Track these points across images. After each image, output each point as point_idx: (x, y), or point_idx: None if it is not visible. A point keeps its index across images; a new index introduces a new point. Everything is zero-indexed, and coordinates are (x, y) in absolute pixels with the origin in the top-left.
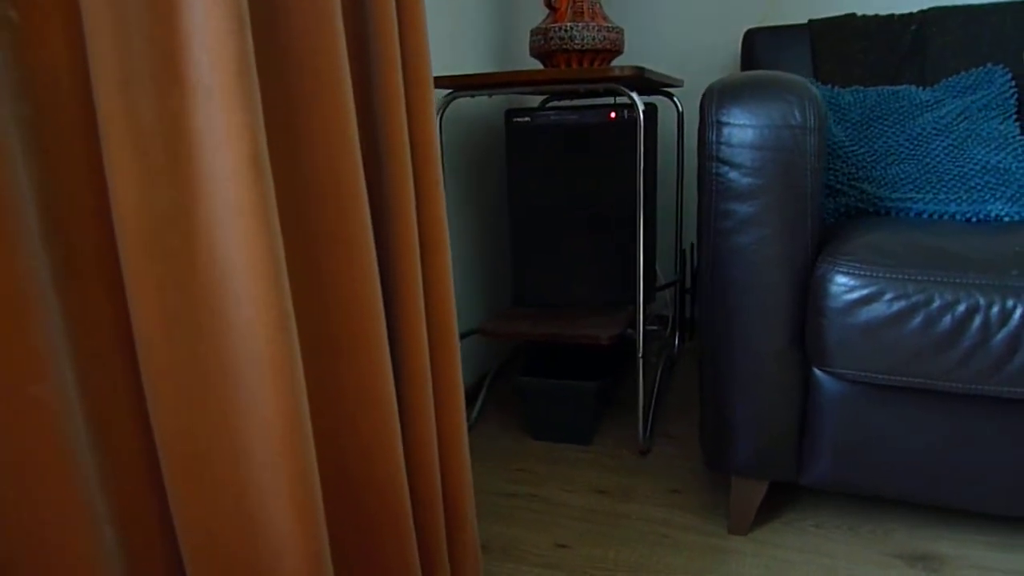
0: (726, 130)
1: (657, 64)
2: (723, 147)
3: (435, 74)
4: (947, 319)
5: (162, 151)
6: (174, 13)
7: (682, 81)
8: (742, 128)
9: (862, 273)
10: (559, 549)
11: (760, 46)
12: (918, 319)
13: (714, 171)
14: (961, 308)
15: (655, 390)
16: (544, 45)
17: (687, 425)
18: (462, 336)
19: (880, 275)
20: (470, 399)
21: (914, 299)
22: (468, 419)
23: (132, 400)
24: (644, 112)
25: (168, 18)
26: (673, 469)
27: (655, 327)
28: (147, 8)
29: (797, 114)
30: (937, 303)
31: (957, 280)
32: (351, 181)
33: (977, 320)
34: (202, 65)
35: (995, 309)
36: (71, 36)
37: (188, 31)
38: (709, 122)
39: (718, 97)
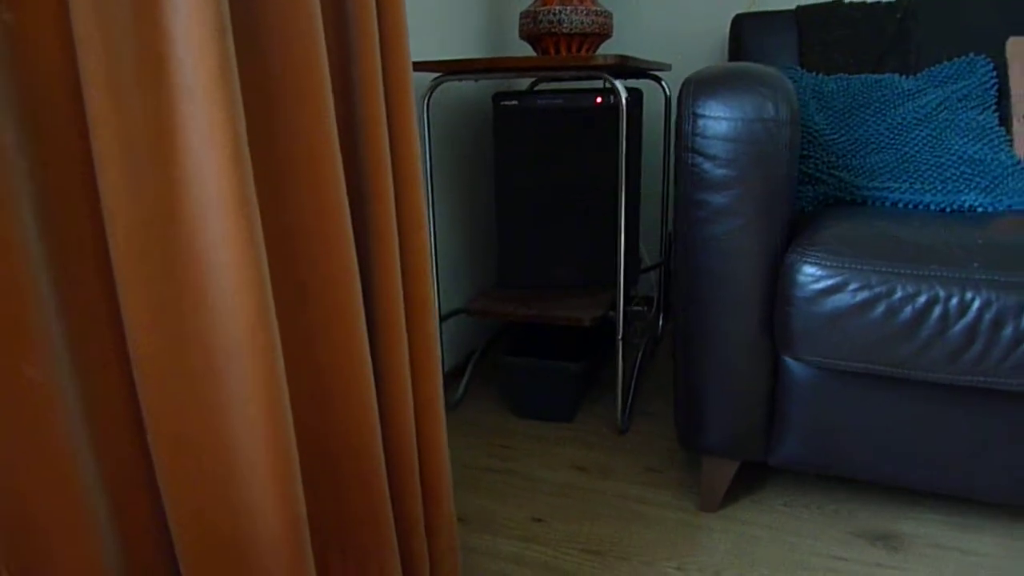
0: (701, 122)
1: (646, 48)
2: (698, 139)
3: (424, 57)
4: (908, 310)
5: (148, 148)
6: (159, 17)
7: (669, 65)
8: (716, 120)
9: (828, 264)
10: (535, 523)
11: (748, 32)
12: (880, 309)
13: (689, 162)
14: (922, 299)
15: (636, 370)
16: (533, 28)
17: (666, 404)
18: (448, 315)
19: (845, 266)
20: (456, 377)
21: (877, 290)
22: (453, 397)
23: (122, 381)
24: (629, 97)
25: (153, 22)
26: (650, 447)
27: (641, 308)
28: (133, 13)
29: (771, 107)
30: (899, 294)
31: (919, 272)
32: (329, 169)
33: (936, 311)
34: (186, 66)
35: (954, 301)
36: (63, 38)
37: (173, 35)
38: (685, 114)
39: (694, 89)
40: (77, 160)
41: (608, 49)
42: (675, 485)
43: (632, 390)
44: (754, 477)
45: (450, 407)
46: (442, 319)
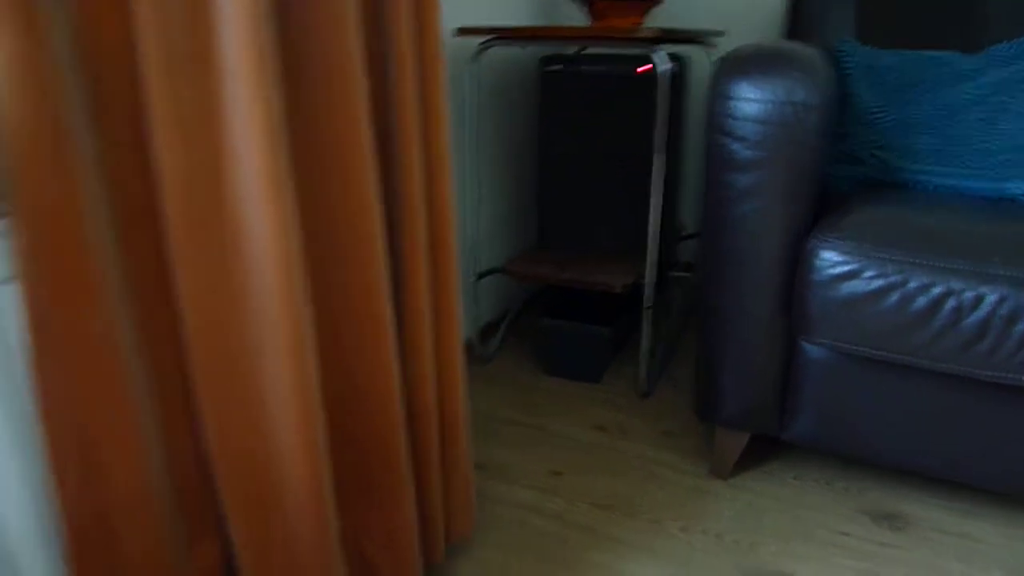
0: (731, 103)
1: (701, 10)
2: (728, 119)
3: (476, 20)
4: (921, 300)
5: (196, 121)
6: (208, 5)
7: (721, 32)
8: (747, 102)
9: (846, 250)
10: (553, 476)
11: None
12: (894, 298)
13: (718, 142)
14: (936, 291)
15: (667, 337)
16: None
17: (693, 372)
18: (485, 273)
19: (863, 253)
20: (491, 332)
21: (892, 279)
22: (487, 351)
23: (171, 326)
24: (675, 65)
25: (204, 9)
26: (670, 413)
27: (683, 273)
28: (186, 3)
29: (801, 91)
30: (913, 284)
31: (935, 264)
32: (358, 138)
33: (950, 303)
34: (230, 50)
35: (969, 295)
36: (123, 24)
37: (219, 21)
38: (717, 94)
39: (726, 70)
40: (133, 133)
41: (664, 12)
42: (690, 451)
43: (660, 356)
44: (767, 450)
45: (483, 361)
46: (480, 276)
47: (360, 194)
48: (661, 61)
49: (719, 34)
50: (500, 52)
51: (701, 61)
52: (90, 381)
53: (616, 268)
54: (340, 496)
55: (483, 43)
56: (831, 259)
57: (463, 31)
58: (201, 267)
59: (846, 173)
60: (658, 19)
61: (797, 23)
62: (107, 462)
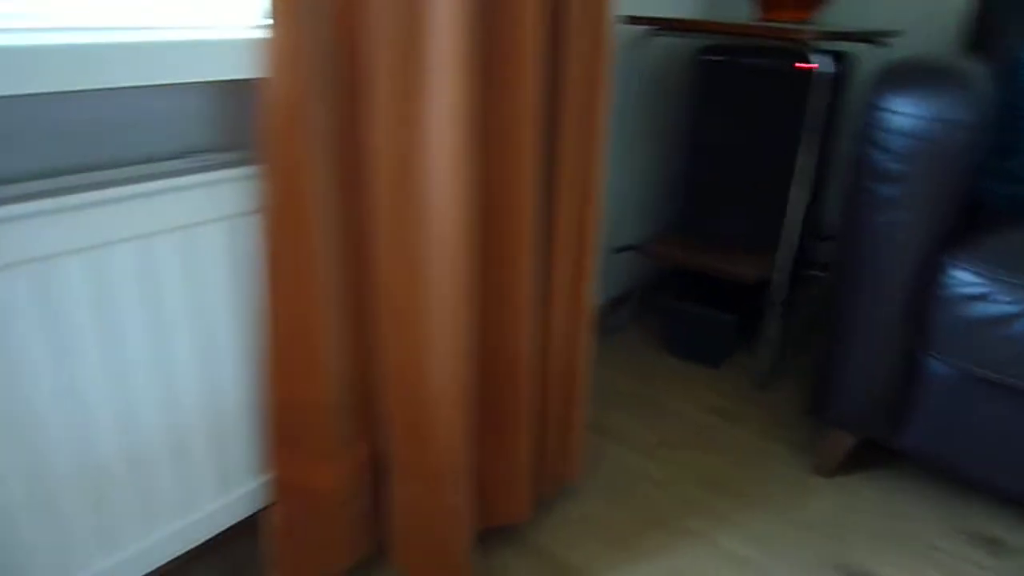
0: (883, 114)
1: (880, 8)
2: (878, 130)
3: (638, 11)
4: None
5: (404, 102)
6: (421, 6)
7: (897, 32)
8: (899, 115)
9: (979, 272)
10: (662, 446)
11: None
12: (1021, 325)
13: (866, 150)
14: None
15: (792, 333)
16: None
17: (810, 370)
18: (622, 249)
19: (995, 277)
20: (619, 307)
21: (1021, 306)
22: (614, 324)
23: (366, 261)
24: (840, 64)
25: (418, 10)
26: (784, 407)
27: (819, 273)
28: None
29: (955, 110)
30: None
31: None
32: (527, 113)
33: None
34: (436, 44)
35: None
36: (358, 17)
37: (430, 17)
38: (871, 103)
39: (883, 81)
40: (354, 110)
41: (842, 7)
42: (797, 445)
43: (782, 351)
44: (874, 456)
45: (609, 332)
46: (617, 251)
47: (522, 169)
48: (820, 62)
49: (895, 34)
50: (661, 39)
51: (875, 58)
52: (302, 297)
53: (750, 259)
54: (474, 433)
55: (648, 31)
56: (962, 279)
57: (632, 20)
58: (395, 221)
59: (1007, 191)
60: (833, 14)
61: (980, 29)
62: (309, 363)
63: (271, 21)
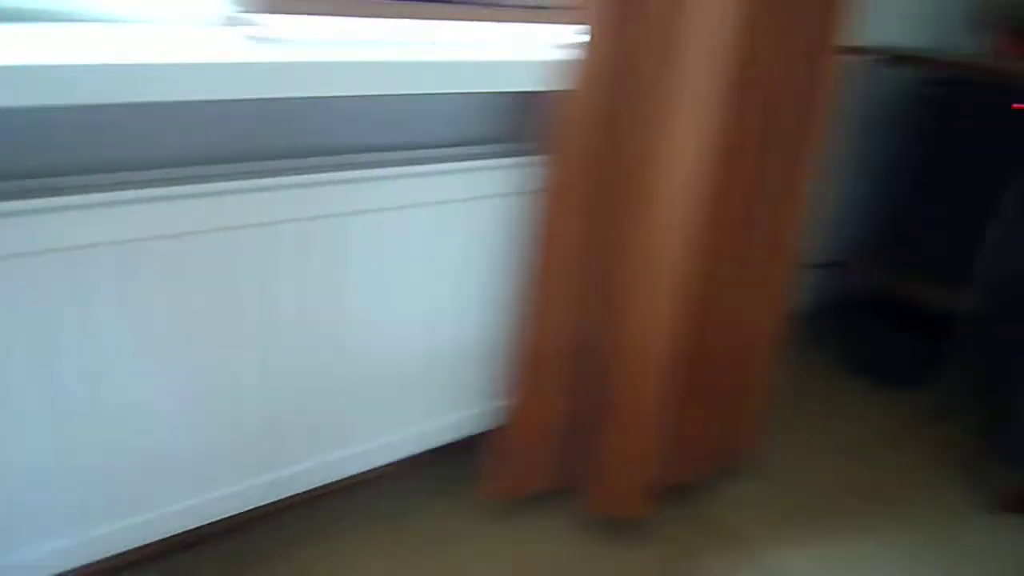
0: None
1: None
2: None
3: (871, 35)
4: None
5: (658, 106)
6: (683, 9)
7: None
8: None
9: None
10: (826, 452)
11: None
12: None
13: None
14: None
15: (982, 369)
16: (991, 18)
17: (992, 408)
18: (823, 265)
19: None
20: (809, 321)
21: None
22: (804, 338)
23: (616, 242)
24: None
25: (680, 10)
26: (960, 440)
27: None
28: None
29: None
30: None
31: None
32: (752, 140)
33: None
34: (698, 50)
35: None
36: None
37: (689, 26)
38: None
39: None
40: (630, 106)
41: None
42: (966, 478)
43: (968, 385)
44: None
45: (798, 343)
46: (815, 267)
47: (747, 180)
48: None
49: None
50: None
51: None
52: (563, 265)
53: (947, 290)
54: (675, 398)
55: (876, 59)
56: None
57: (860, 50)
58: (641, 215)
59: None
60: None
61: None
62: (562, 322)
63: (586, 42)
